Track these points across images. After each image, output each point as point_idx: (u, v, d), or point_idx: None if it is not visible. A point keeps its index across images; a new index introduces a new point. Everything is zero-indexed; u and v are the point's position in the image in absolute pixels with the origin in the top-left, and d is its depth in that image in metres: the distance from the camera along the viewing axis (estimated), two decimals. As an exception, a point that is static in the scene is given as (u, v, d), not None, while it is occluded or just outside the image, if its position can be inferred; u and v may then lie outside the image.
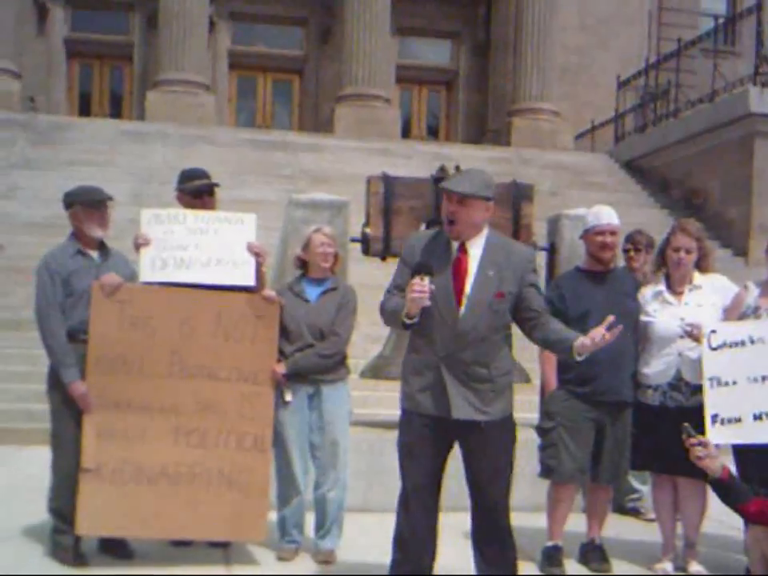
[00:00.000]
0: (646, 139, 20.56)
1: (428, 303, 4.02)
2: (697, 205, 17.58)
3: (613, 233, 5.39)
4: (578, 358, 4.16)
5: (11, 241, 12.61)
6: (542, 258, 7.17)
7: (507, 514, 4.40)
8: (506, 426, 4.36)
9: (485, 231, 4.30)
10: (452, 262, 4.22)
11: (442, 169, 6.73)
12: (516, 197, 6.77)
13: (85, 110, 24.20)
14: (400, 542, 4.38)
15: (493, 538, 4.41)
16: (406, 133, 24.18)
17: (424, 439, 4.27)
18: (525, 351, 8.41)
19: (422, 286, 3.98)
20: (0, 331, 10.74)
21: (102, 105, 24.69)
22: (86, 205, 5.26)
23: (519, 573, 4.48)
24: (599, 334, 4.07)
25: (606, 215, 5.43)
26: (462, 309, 4.16)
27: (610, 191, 18.03)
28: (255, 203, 13.31)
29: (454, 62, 26.27)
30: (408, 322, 4.11)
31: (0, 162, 15.26)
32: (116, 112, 24.29)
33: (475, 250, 4.25)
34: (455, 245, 4.25)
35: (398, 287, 4.26)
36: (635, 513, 6.74)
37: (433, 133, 26.48)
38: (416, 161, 17.99)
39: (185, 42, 21.06)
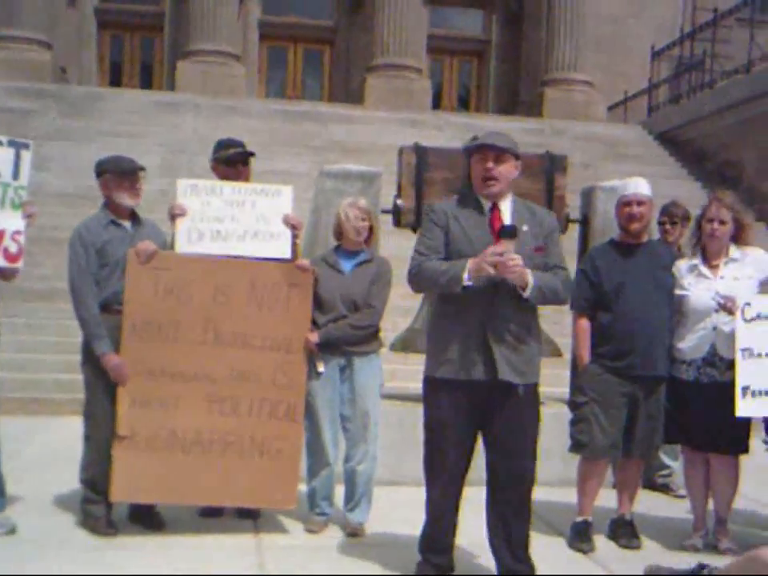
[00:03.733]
0: (680, 110, 20.31)
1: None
2: (731, 177, 17.36)
3: (640, 203, 5.27)
4: (525, 294, 4.07)
5: (43, 212, 12.49)
6: (575, 231, 7.10)
7: (533, 486, 4.36)
8: (536, 393, 4.34)
9: (510, 192, 4.34)
10: (488, 221, 4.22)
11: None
12: (549, 168, 6.70)
13: (116, 80, 24.23)
14: (433, 520, 4.37)
15: (517, 512, 4.32)
16: (436, 104, 24.02)
17: (459, 410, 4.20)
18: (556, 325, 8.43)
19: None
20: (32, 302, 10.79)
21: (132, 76, 24.71)
22: (117, 173, 5.25)
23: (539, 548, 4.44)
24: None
25: (632, 185, 5.34)
26: None
27: (643, 163, 17.82)
28: (286, 174, 13.32)
29: (486, 32, 26.01)
30: (469, 284, 4.02)
31: (32, 132, 15.17)
32: (147, 83, 24.33)
33: (504, 208, 4.28)
34: (487, 205, 4.26)
35: (433, 249, 4.20)
36: (665, 489, 6.70)
37: (464, 104, 26.28)
38: (447, 132, 17.91)
39: (215, 12, 21.02)
